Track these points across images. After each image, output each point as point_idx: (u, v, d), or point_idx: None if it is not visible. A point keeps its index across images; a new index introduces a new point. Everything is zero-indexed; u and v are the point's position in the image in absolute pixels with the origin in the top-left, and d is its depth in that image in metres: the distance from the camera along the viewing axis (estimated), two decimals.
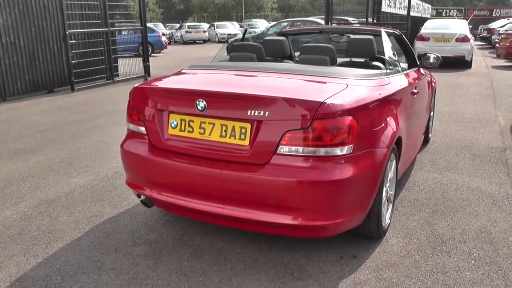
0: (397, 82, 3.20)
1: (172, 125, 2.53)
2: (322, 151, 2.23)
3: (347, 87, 2.44)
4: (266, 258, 2.63)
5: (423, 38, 12.93)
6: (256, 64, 3.24)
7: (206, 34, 30.28)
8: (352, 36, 3.66)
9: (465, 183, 3.86)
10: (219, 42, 30.65)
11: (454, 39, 12.28)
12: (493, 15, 31.82)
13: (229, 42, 17.33)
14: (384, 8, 14.57)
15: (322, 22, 15.52)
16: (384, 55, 3.55)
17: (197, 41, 30.20)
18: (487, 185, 3.80)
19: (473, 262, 2.62)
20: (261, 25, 36.86)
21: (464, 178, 3.97)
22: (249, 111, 2.25)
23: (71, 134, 5.63)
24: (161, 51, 20.51)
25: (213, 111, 2.36)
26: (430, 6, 23.30)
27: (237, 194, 2.32)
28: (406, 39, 4.21)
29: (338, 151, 2.24)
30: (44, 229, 3.06)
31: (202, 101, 2.34)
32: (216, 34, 31.08)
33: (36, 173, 4.21)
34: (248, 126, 2.30)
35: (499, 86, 9.26)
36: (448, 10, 33.06)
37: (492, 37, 20.59)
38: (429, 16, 21.02)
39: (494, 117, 6.42)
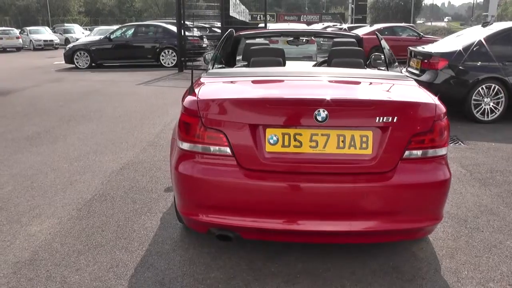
0: None
1: (271, 141, 2.20)
2: (436, 152, 2.27)
3: (422, 89, 2.52)
4: (358, 269, 2.54)
5: (272, 41, 13.96)
6: (304, 68, 3.07)
7: (20, 40, 26.28)
8: (336, 39, 3.76)
9: None
10: (35, 49, 27.07)
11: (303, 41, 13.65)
12: (301, 20, 36.11)
13: (66, 49, 15.56)
14: (231, 13, 15.58)
15: (168, 26, 15.40)
16: None
17: (8, 49, 25.99)
18: None
19: (502, 232, 3.02)
20: (76, 29, 33.89)
21: None
22: (378, 118, 2.14)
23: None
24: None
25: (333, 121, 2.14)
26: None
27: (369, 207, 2.18)
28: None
29: (444, 151, 2.32)
30: None
31: (324, 111, 2.11)
32: (31, 40, 27.32)
33: None
34: (369, 134, 2.17)
35: None
36: (262, 15, 36.28)
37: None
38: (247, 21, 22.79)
39: None
